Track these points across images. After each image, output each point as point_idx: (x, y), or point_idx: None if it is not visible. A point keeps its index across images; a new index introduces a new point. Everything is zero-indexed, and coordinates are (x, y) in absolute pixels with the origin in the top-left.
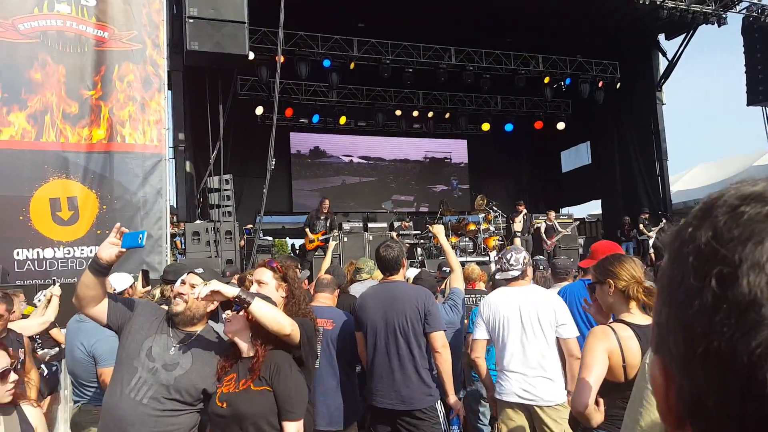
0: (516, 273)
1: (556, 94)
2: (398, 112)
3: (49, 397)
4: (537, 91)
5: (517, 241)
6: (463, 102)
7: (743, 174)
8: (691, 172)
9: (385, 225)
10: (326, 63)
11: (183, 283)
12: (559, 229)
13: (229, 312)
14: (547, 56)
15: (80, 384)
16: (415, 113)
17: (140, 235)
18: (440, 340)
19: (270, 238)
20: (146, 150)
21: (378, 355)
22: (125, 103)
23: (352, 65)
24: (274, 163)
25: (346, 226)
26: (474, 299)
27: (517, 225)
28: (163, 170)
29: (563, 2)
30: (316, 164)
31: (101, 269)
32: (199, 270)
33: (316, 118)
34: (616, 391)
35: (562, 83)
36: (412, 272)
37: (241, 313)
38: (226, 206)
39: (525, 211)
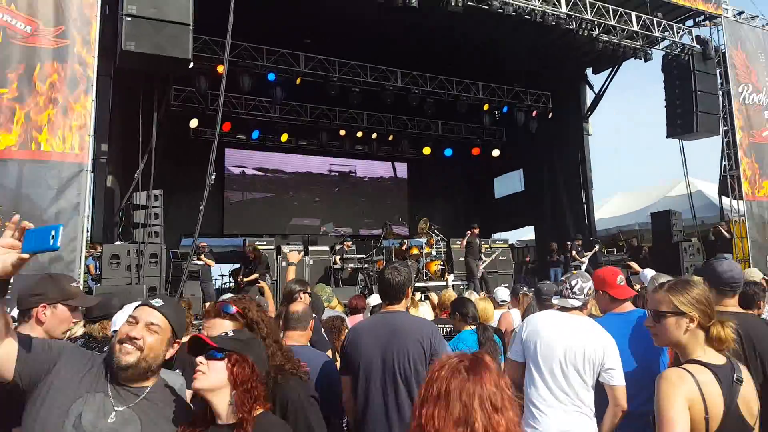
0: (576, 303)
1: (492, 122)
2: (342, 132)
3: None
4: (475, 118)
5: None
6: (406, 125)
7: (659, 204)
8: (612, 200)
9: (326, 248)
10: (271, 77)
11: (134, 321)
12: (483, 258)
13: (203, 359)
14: (487, 84)
15: None
16: (360, 134)
17: (52, 232)
18: None
19: (201, 263)
20: (65, 159)
21: (372, 404)
22: (44, 107)
23: (298, 80)
24: (213, 178)
25: (285, 249)
26: (446, 330)
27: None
28: (82, 182)
29: (502, 32)
30: (251, 183)
31: None
32: (157, 302)
33: (255, 134)
34: None
35: (496, 112)
36: (375, 299)
37: (224, 362)
38: (153, 225)
39: (477, 233)
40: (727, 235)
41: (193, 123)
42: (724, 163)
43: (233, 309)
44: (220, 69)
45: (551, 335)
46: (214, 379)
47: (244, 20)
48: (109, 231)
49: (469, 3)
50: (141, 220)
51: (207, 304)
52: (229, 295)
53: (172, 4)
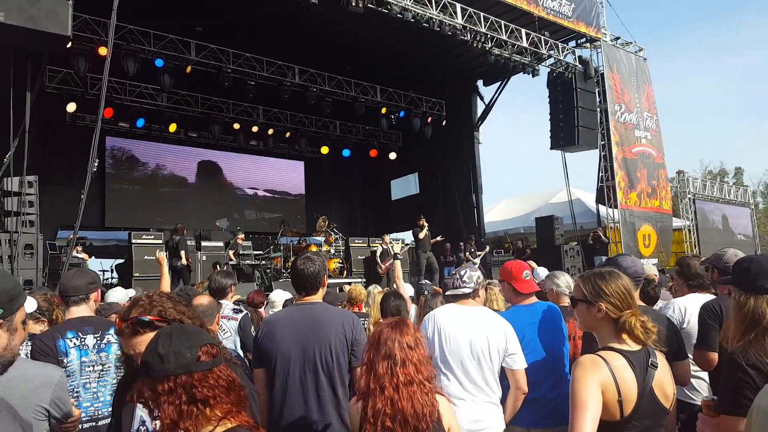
0: (467, 290)
1: (389, 125)
2: (236, 126)
3: None
4: (372, 120)
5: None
6: (304, 123)
7: (542, 209)
8: (499, 205)
9: (220, 243)
10: (159, 62)
11: None
12: (393, 252)
13: None
14: (384, 88)
15: None
16: (255, 129)
17: None
18: None
19: (81, 257)
20: None
21: (290, 397)
22: None
23: (188, 69)
24: (96, 165)
25: None
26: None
27: (423, 238)
28: None
29: (401, 38)
30: (136, 174)
31: None
32: None
33: (140, 123)
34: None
35: (392, 116)
36: (280, 295)
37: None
38: (28, 214)
39: (427, 225)
40: (605, 240)
41: (71, 107)
42: (601, 174)
43: (148, 318)
44: (102, 51)
45: (454, 330)
46: None
47: (131, 1)
48: None
49: (369, 5)
50: (13, 207)
51: (115, 318)
52: (120, 291)
53: None
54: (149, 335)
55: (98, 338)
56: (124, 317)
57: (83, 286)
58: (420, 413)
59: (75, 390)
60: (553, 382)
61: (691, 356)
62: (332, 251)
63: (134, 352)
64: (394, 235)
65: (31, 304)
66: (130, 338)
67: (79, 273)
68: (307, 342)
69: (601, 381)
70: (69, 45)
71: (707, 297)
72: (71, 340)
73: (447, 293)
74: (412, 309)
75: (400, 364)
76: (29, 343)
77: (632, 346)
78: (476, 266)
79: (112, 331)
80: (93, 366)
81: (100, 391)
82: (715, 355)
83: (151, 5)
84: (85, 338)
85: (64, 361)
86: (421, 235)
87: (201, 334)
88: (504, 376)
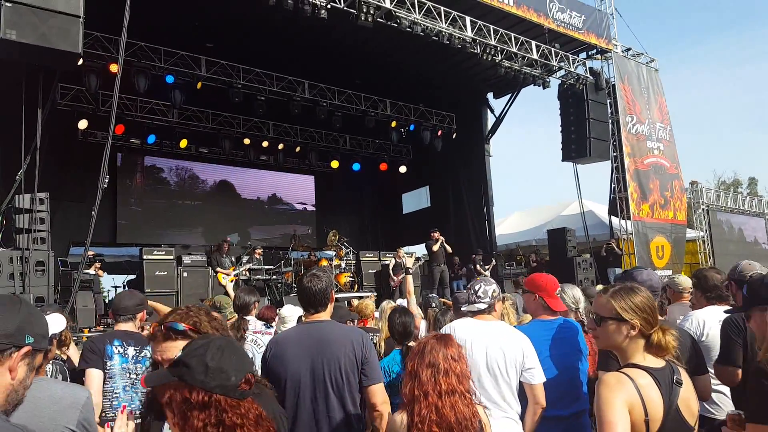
0: (483, 306)
1: (399, 139)
2: (247, 141)
3: None
4: (382, 134)
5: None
6: (314, 137)
7: (554, 222)
8: (510, 218)
9: (232, 259)
10: (169, 79)
11: None
12: (407, 265)
13: None
14: (394, 102)
15: None
16: (265, 144)
17: None
18: (381, 395)
19: (92, 272)
20: None
21: (302, 419)
22: None
23: (199, 85)
24: (107, 181)
25: (186, 259)
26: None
27: (437, 251)
28: None
29: (410, 51)
30: (147, 190)
31: None
32: None
33: (151, 139)
34: None
35: (402, 129)
36: (291, 310)
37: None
38: (39, 231)
39: (442, 238)
40: (618, 251)
41: (82, 124)
42: (613, 185)
43: (182, 326)
44: (113, 68)
45: (470, 344)
46: None
47: (141, 18)
48: None
49: (379, 19)
50: (25, 224)
51: (149, 327)
52: None
53: None
54: (180, 342)
55: (137, 350)
56: (160, 321)
57: (131, 307)
58: (463, 424)
59: (115, 391)
60: (567, 402)
61: (711, 370)
62: (343, 265)
63: (161, 358)
64: (405, 249)
65: (60, 323)
66: (161, 342)
67: (129, 295)
68: (316, 362)
69: (627, 400)
70: (80, 62)
71: (726, 309)
72: (117, 347)
73: (462, 308)
74: (422, 324)
75: (443, 373)
76: (56, 362)
77: (656, 363)
78: (490, 278)
79: (150, 347)
80: (129, 374)
81: (132, 397)
82: (739, 372)
83: (161, 22)
84: (127, 348)
85: (108, 363)
86: (435, 248)
87: (248, 359)
88: (523, 393)
